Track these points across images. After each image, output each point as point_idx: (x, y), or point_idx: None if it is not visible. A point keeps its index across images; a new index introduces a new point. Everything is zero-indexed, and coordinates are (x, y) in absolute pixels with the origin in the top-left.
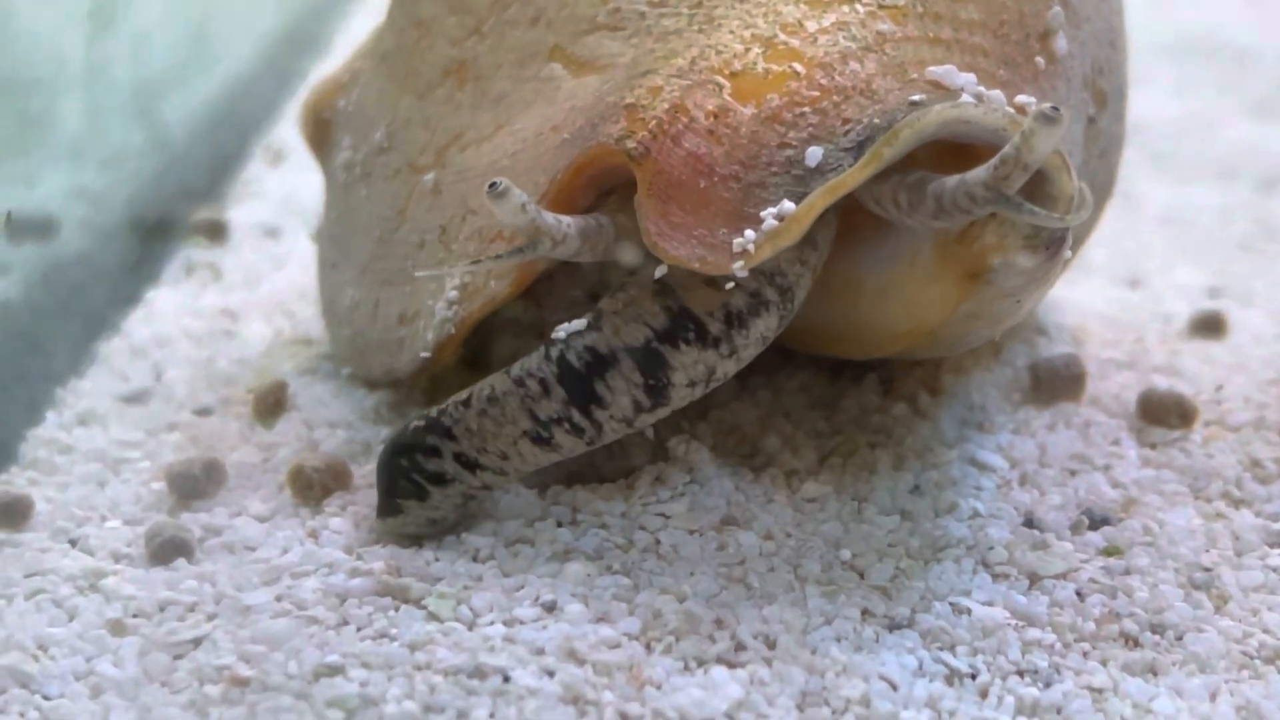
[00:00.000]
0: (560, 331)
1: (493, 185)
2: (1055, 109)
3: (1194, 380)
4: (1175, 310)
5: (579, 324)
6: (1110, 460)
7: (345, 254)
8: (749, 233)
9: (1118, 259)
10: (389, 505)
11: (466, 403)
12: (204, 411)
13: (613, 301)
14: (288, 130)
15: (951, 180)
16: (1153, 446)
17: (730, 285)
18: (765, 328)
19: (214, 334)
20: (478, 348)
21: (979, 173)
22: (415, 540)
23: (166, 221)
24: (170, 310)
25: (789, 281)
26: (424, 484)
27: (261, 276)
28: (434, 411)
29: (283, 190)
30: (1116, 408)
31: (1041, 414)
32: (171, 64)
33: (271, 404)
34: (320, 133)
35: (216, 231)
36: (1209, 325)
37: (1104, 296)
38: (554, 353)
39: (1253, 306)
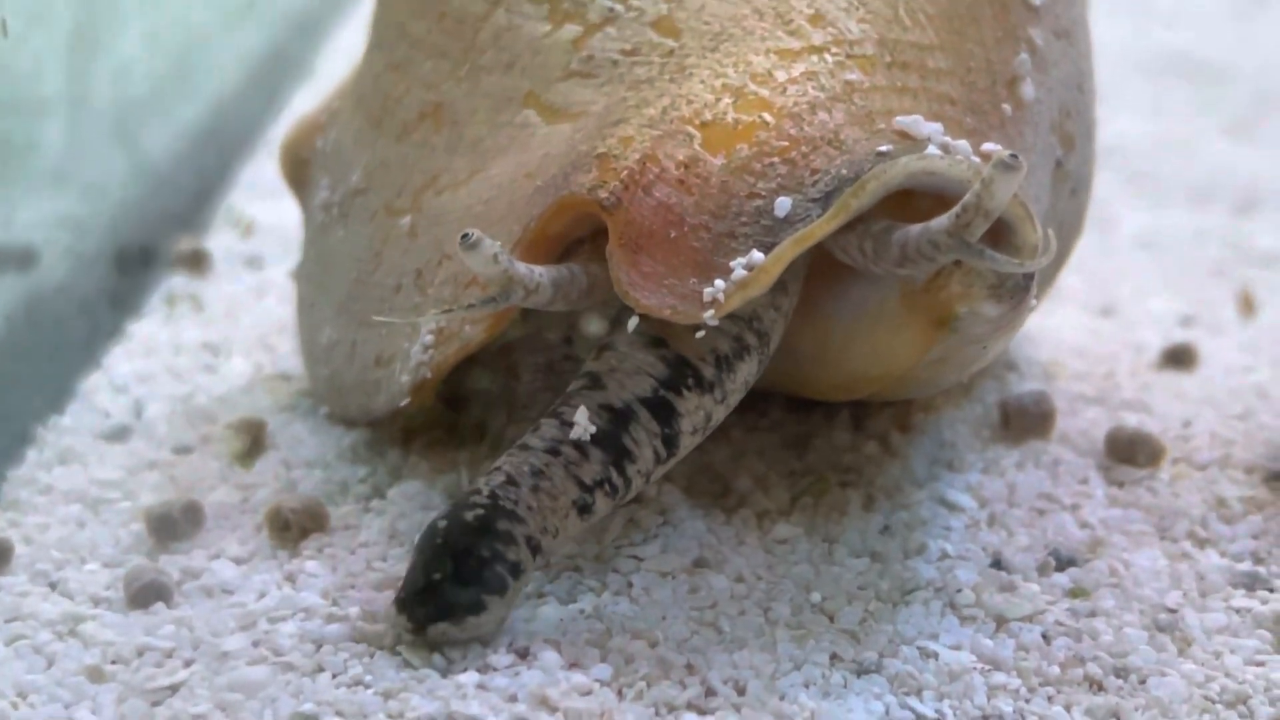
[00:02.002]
0: (578, 428)
1: (465, 236)
2: (1014, 156)
3: (1163, 416)
4: (1147, 340)
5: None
6: (1078, 500)
7: (323, 294)
8: (719, 282)
9: (1092, 285)
10: (471, 602)
11: (512, 481)
12: (183, 450)
13: (602, 363)
14: (264, 169)
15: (915, 228)
16: (1120, 485)
17: (702, 332)
18: (748, 372)
19: (194, 369)
20: (454, 385)
21: (942, 221)
22: (393, 584)
23: (148, 250)
24: (151, 344)
25: (765, 326)
26: (506, 576)
27: (242, 309)
28: (483, 495)
29: (265, 219)
30: (1085, 445)
31: (1011, 452)
32: (153, 90)
33: (250, 443)
34: (299, 172)
35: (198, 261)
36: (1179, 357)
37: (1077, 325)
38: (570, 415)
39: (1224, 335)
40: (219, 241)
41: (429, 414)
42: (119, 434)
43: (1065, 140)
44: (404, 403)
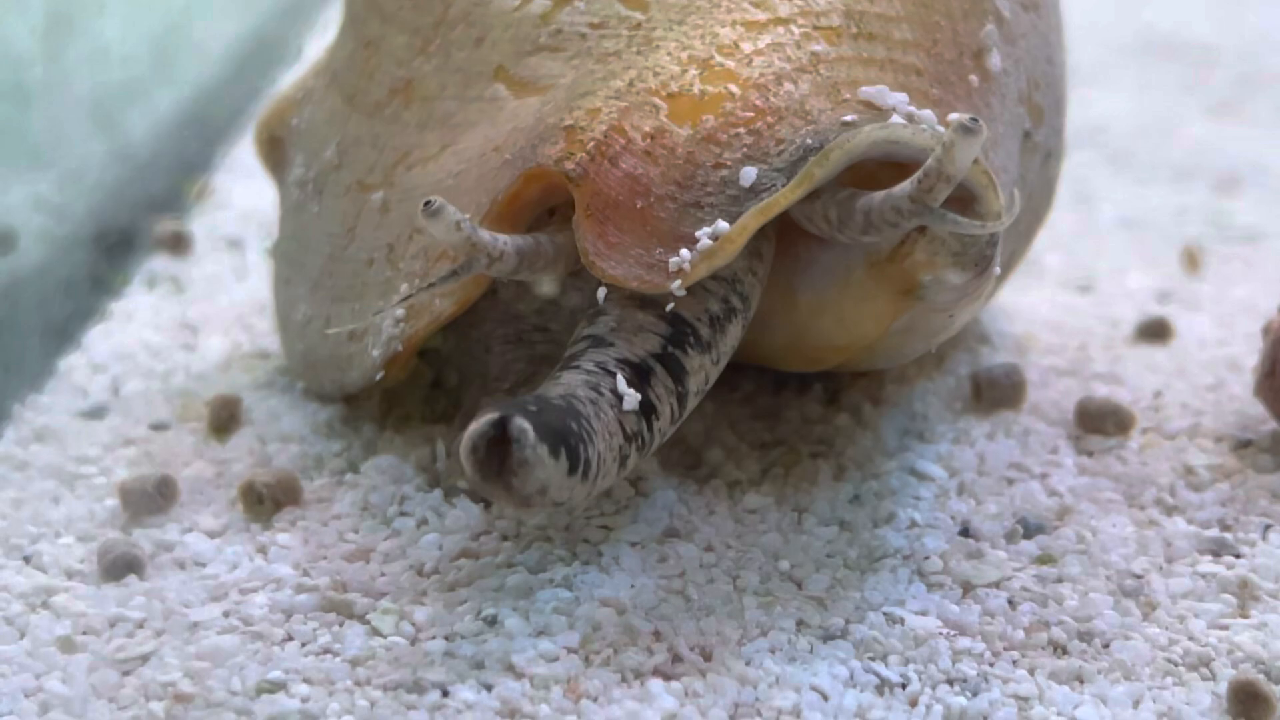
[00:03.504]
0: (628, 398)
1: (427, 204)
2: (975, 120)
3: (1134, 387)
4: (1123, 315)
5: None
6: (1047, 468)
7: (298, 270)
8: (685, 252)
9: (1071, 262)
10: (572, 448)
11: (576, 397)
12: (160, 426)
13: (599, 325)
14: (246, 151)
15: (879, 195)
16: (1090, 454)
17: (669, 303)
18: (735, 335)
19: (173, 347)
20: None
21: (904, 186)
22: (363, 555)
23: (129, 233)
24: (131, 324)
25: (746, 290)
26: (594, 462)
27: (222, 289)
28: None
29: (246, 201)
30: (1056, 415)
31: (982, 423)
32: (133, 74)
33: (225, 419)
34: (274, 150)
35: (179, 243)
36: (1154, 331)
37: (1053, 302)
38: (591, 366)
39: (1200, 310)
40: (200, 223)
41: (403, 388)
42: (97, 412)
43: (1034, 112)
44: (377, 376)
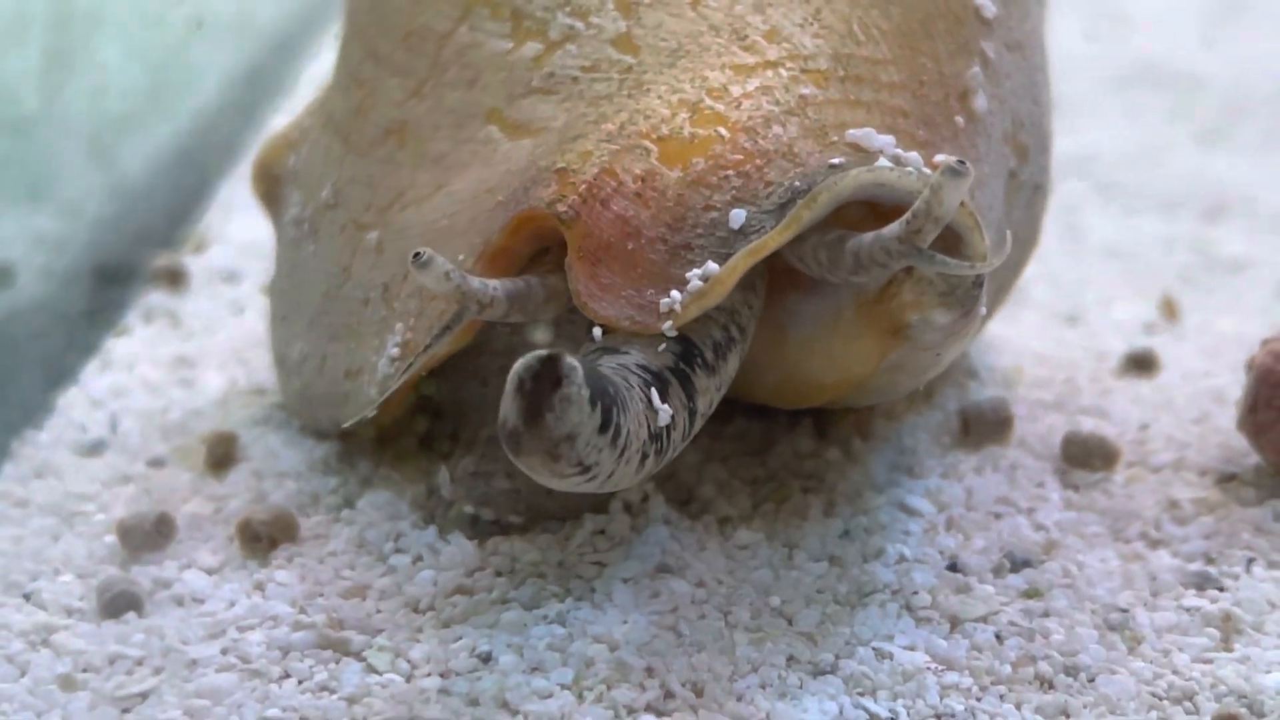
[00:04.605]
0: (663, 413)
1: (416, 255)
2: (962, 163)
3: (1120, 420)
4: (1110, 347)
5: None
6: (1034, 503)
7: (294, 308)
8: (675, 293)
9: (1058, 293)
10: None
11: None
12: (157, 463)
13: (609, 339)
14: (243, 186)
15: (868, 236)
16: (1076, 489)
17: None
18: (733, 365)
19: (170, 383)
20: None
21: (893, 228)
22: (359, 591)
23: (126, 267)
24: (128, 359)
25: (744, 322)
26: (624, 429)
27: (220, 323)
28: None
29: (243, 234)
30: (1043, 450)
31: (970, 457)
32: (131, 107)
33: (222, 455)
34: (271, 189)
35: (176, 278)
36: (1141, 364)
37: (1041, 333)
38: (613, 365)
39: (1186, 341)
40: (197, 258)
41: (400, 428)
42: (95, 448)
43: (1019, 151)
44: (371, 413)
